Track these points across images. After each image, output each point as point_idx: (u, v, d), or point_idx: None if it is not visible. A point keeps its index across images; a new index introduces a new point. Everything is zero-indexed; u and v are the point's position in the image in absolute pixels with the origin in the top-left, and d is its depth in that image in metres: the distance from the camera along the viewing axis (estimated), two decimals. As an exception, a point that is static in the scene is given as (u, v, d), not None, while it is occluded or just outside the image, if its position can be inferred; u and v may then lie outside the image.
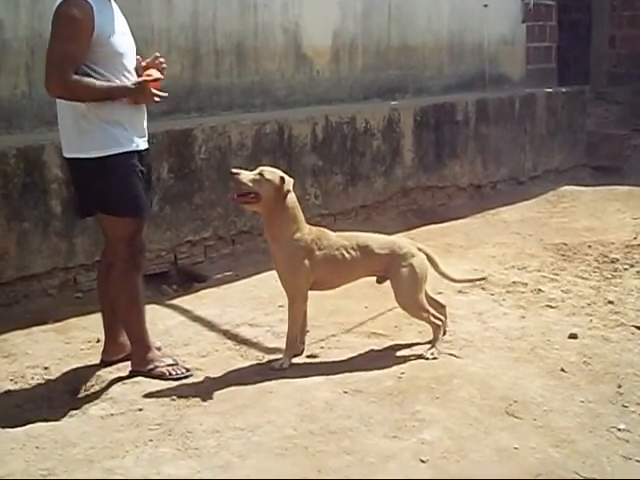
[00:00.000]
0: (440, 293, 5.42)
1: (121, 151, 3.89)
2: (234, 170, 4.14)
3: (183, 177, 5.93)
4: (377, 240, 4.42)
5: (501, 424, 3.58)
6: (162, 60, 4.14)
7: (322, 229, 4.40)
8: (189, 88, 6.51)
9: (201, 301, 5.41)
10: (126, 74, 3.95)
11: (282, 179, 4.15)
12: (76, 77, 3.71)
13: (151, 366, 4.10)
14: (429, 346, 4.39)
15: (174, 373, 4.10)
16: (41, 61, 5.37)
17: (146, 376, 4.05)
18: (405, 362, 4.28)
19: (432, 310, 4.43)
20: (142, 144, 4.07)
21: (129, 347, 4.38)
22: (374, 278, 4.49)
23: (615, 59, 11.39)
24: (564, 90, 10.04)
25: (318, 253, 4.22)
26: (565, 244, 6.64)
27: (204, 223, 6.09)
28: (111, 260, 4.09)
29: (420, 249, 4.47)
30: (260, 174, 4.12)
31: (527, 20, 9.89)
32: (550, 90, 9.83)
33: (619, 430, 3.54)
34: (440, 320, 4.44)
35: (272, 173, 4.16)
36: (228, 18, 6.72)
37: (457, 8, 8.92)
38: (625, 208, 8.07)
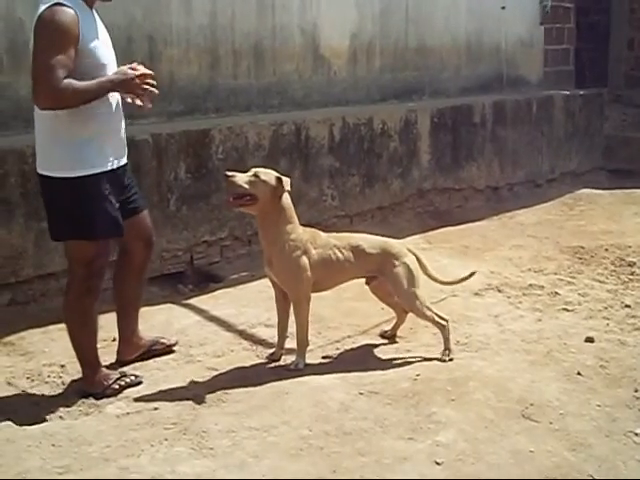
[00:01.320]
0: (456, 296, 5.44)
1: (90, 173, 3.77)
2: (228, 172, 4.10)
3: (200, 177, 5.94)
4: (368, 240, 4.44)
5: (517, 427, 3.58)
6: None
7: (314, 230, 4.41)
8: (207, 88, 6.53)
9: (217, 301, 5.42)
10: None
11: (278, 179, 4.13)
12: (66, 82, 3.55)
13: (102, 388, 4.00)
14: (443, 348, 4.40)
15: (123, 383, 4.05)
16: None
17: (100, 398, 3.96)
18: (420, 364, 4.29)
19: (436, 310, 4.45)
20: (119, 161, 3.97)
21: (143, 346, 4.41)
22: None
23: (633, 62, 11.32)
24: (582, 93, 10.00)
25: (314, 252, 4.24)
26: (582, 247, 6.61)
27: (220, 223, 6.09)
28: (68, 280, 4.01)
29: (409, 250, 4.49)
30: (255, 175, 4.08)
31: (545, 22, 9.85)
32: (568, 93, 9.79)
33: (636, 434, 3.52)
34: (445, 320, 4.44)
35: (267, 174, 4.13)
36: (246, 19, 6.73)
37: (475, 9, 8.90)
38: (643, 212, 8.04)
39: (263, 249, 4.28)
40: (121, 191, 4.00)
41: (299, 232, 4.22)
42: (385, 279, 4.41)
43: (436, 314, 4.42)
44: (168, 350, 4.51)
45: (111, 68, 3.87)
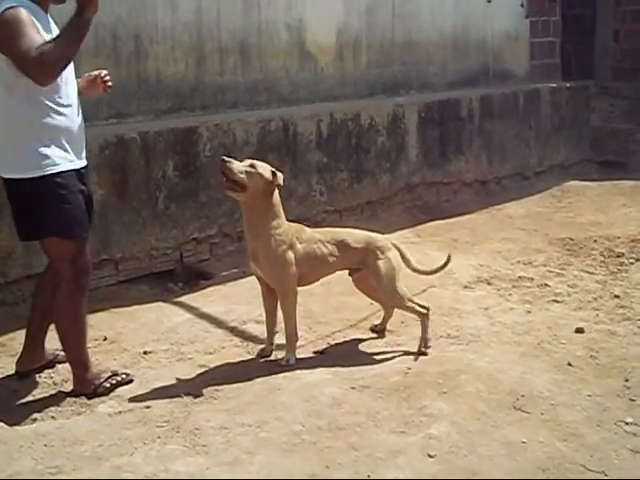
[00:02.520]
0: (446, 289, 5.45)
1: (57, 171, 3.75)
2: (225, 158, 4.10)
3: (188, 175, 5.93)
4: (353, 234, 4.48)
5: (508, 418, 3.59)
6: (108, 77, 4.17)
7: (299, 225, 4.43)
8: (194, 86, 6.51)
9: (207, 298, 5.41)
10: (62, 86, 3.80)
11: (273, 173, 4.16)
12: (44, 48, 3.52)
13: (93, 387, 3.98)
14: (420, 338, 4.42)
15: (114, 382, 4.02)
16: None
17: (91, 397, 3.94)
18: (411, 357, 4.30)
19: (417, 300, 4.48)
20: (81, 162, 3.94)
21: (45, 357, 4.29)
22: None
23: (619, 54, 11.34)
24: (568, 85, 10.03)
25: (299, 247, 4.25)
26: (571, 239, 6.63)
27: (210, 221, 6.09)
28: (56, 281, 3.95)
29: (393, 244, 4.52)
30: (252, 166, 4.11)
31: (531, 15, 9.87)
32: (554, 85, 9.81)
33: (626, 424, 3.54)
34: (426, 309, 4.46)
35: (263, 167, 4.16)
36: (232, 16, 6.71)
37: (461, 4, 8.91)
38: (631, 202, 8.06)
39: (247, 243, 4.28)
40: (86, 199, 3.98)
41: (285, 227, 4.24)
42: (368, 271, 4.42)
43: (417, 304, 4.45)
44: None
45: (69, 69, 3.81)
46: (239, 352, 4.48)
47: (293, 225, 4.34)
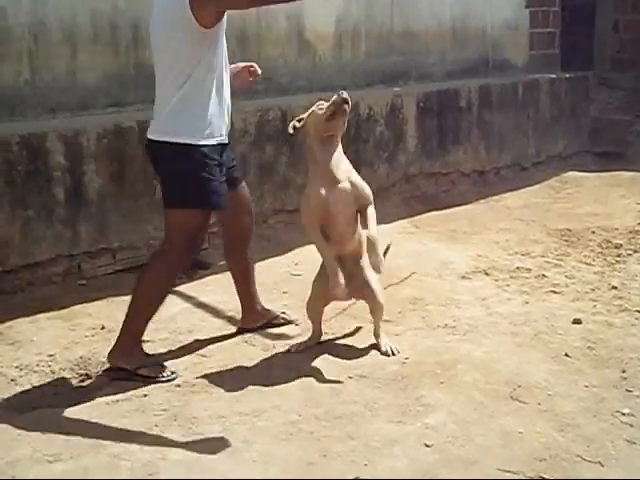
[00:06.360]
0: (443, 279, 5.46)
1: (213, 143, 3.86)
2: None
3: (187, 164, 5.91)
4: None
5: (506, 408, 3.60)
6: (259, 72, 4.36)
7: None
8: (192, 75, 6.49)
9: (205, 288, 5.41)
10: (225, 67, 4.00)
11: None
12: None
13: (138, 364, 3.95)
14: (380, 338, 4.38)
15: (160, 375, 3.96)
16: (44, 47, 5.40)
17: (129, 378, 3.91)
18: (409, 347, 4.29)
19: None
20: (224, 138, 3.97)
21: (268, 316, 4.56)
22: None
23: (619, 44, 11.31)
24: (567, 76, 9.99)
25: None
26: (569, 230, 6.62)
27: (208, 210, 6.07)
28: (165, 248, 3.99)
29: None
30: None
31: (530, 5, 9.84)
32: (553, 76, 9.78)
33: (623, 414, 3.54)
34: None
35: None
36: (231, 4, 6.68)
37: (460, -7, 8.89)
38: (629, 194, 8.04)
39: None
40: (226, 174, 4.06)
41: None
42: None
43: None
44: (289, 322, 4.62)
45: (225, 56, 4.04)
46: (237, 341, 4.48)
47: None
